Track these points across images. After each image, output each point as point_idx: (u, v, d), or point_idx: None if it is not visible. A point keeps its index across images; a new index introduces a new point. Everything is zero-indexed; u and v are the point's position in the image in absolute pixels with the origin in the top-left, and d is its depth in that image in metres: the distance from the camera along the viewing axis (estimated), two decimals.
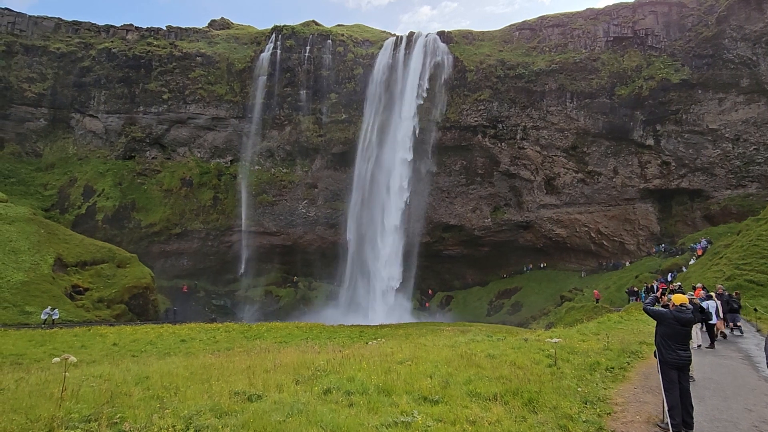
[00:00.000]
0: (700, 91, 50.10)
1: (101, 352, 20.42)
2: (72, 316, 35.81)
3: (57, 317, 33.31)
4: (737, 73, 48.29)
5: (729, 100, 49.05)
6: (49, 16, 65.15)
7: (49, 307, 34.06)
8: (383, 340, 19.52)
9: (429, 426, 6.44)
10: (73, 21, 65.82)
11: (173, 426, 6.13)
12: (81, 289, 41.18)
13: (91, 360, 17.74)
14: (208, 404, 7.22)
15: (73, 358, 8.66)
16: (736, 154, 48.95)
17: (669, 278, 36.00)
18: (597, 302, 38.17)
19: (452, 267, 68.99)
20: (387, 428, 6.29)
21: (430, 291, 68.11)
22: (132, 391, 8.65)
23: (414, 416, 6.71)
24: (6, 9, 62.72)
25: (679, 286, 21.55)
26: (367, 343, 18.45)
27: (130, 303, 42.97)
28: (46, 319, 32.77)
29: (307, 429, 6.09)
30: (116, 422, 6.43)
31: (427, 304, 65.61)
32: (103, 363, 15.96)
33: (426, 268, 66.61)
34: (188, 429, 6.10)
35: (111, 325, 32.55)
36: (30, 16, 63.70)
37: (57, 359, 8.98)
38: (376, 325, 35.41)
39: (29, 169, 58.84)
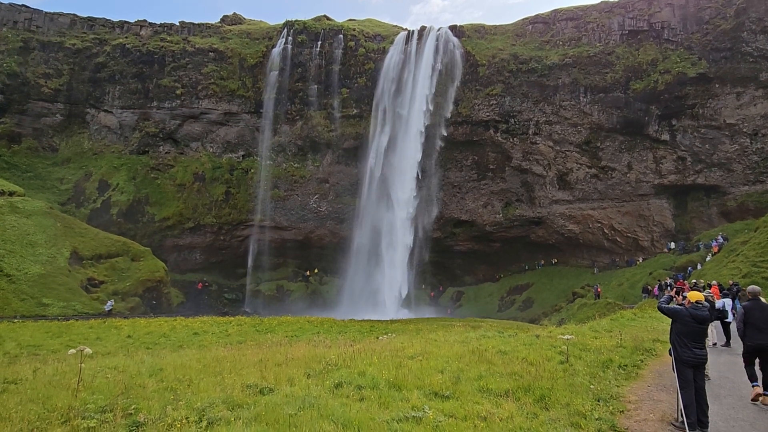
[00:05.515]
0: (717, 85, 49.11)
1: (116, 344, 20.72)
2: (88, 309, 36.48)
3: (110, 308, 36.96)
4: (756, 67, 47.24)
5: (747, 94, 48.02)
6: (65, 12, 65.92)
7: (112, 300, 38.08)
8: (394, 335, 19.54)
9: (440, 421, 6.42)
10: (88, 17, 66.48)
11: (187, 417, 6.20)
12: (96, 281, 41.93)
13: (106, 352, 18.01)
14: (221, 397, 7.30)
15: (88, 350, 8.81)
16: (754, 150, 47.98)
17: (689, 272, 35.49)
18: (598, 298, 38.87)
19: (463, 262, 68.76)
20: (398, 423, 6.28)
21: (435, 288, 68.06)
22: (146, 383, 8.76)
23: (425, 411, 6.70)
24: (23, 6, 63.58)
25: (695, 282, 21.22)
26: (377, 337, 18.46)
27: (144, 296, 43.63)
28: (110, 310, 36.21)
29: (319, 422, 6.11)
30: (131, 413, 6.53)
31: (431, 294, 65.80)
32: (117, 355, 16.20)
33: (437, 264, 66.52)
34: (201, 421, 6.16)
35: (125, 317, 33.10)
36: (46, 13, 64.50)
37: (73, 351, 9.15)
38: (387, 320, 35.43)
39: (46, 163, 59.77)
